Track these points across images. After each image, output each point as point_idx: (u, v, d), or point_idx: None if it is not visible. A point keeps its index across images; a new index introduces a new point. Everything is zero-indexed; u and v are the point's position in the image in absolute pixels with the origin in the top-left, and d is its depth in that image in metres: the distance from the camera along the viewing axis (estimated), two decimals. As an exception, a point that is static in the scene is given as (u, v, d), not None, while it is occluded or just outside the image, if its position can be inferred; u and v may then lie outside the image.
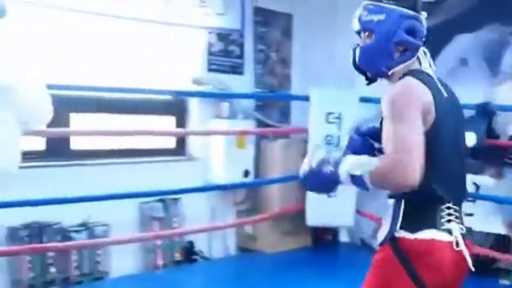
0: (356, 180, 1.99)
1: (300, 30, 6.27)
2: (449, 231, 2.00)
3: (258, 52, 5.97)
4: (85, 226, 4.64)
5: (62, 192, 4.21)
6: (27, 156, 4.48)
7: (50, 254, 4.45)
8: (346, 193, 5.48)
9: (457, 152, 2.09)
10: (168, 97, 5.34)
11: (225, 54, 5.65)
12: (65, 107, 4.66)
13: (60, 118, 4.60)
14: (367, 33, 2.13)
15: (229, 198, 5.66)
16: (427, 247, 1.97)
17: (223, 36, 5.60)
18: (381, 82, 5.51)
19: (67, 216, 4.50)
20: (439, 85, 2.07)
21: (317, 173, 2.08)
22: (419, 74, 2.06)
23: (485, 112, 4.71)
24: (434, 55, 5.79)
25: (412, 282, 1.97)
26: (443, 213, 2.01)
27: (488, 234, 5.05)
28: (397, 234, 2.01)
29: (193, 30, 5.38)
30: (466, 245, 2.03)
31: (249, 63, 5.88)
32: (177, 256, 5.25)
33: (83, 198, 4.32)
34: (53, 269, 4.47)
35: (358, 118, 5.45)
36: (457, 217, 2.04)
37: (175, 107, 5.45)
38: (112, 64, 4.94)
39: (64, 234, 4.54)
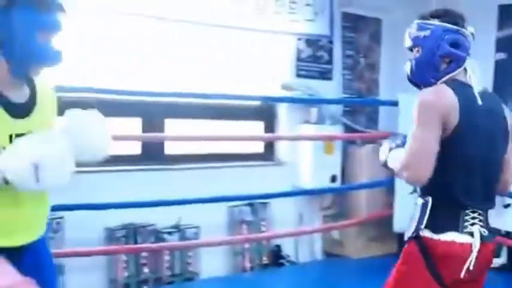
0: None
1: (389, 35, 6.20)
2: (472, 234, 2.16)
3: (346, 57, 5.95)
4: (177, 228, 4.78)
5: (156, 195, 4.37)
6: (125, 160, 4.70)
7: (144, 254, 4.62)
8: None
9: (487, 160, 2.22)
10: (257, 103, 5.42)
11: (313, 60, 5.67)
12: (160, 113, 4.84)
13: (155, 124, 4.80)
14: (416, 49, 2.32)
15: (316, 203, 5.68)
16: (447, 248, 2.15)
17: (312, 42, 5.62)
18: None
19: (160, 218, 4.66)
20: (476, 93, 2.21)
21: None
22: (452, 82, 2.22)
23: None
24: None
25: (432, 276, 2.17)
26: (467, 217, 2.17)
27: None
28: (421, 233, 2.19)
29: (283, 36, 5.43)
30: (487, 246, 2.19)
31: (337, 68, 5.87)
32: (265, 259, 5.32)
33: (176, 201, 4.46)
34: (146, 269, 4.63)
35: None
36: (481, 220, 2.19)
37: (264, 112, 5.53)
38: (204, 71, 5.07)
39: (157, 235, 4.70)
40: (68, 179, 1.90)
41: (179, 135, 4.89)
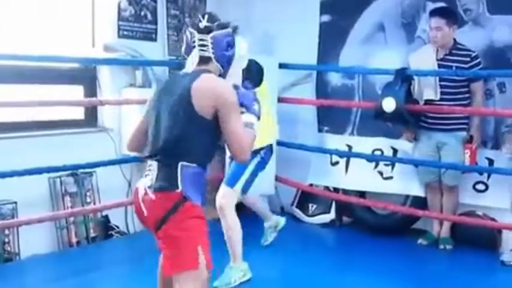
0: None
1: (214, -6, 6.08)
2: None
3: (171, 17, 5.72)
4: (-10, 205, 4.33)
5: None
6: None
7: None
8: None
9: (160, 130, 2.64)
10: (75, 65, 5.05)
11: (136, 20, 5.38)
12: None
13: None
14: None
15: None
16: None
17: (134, 0, 5.32)
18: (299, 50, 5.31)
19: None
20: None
21: None
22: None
23: (403, 77, 4.70)
24: (353, 20, 5.70)
25: None
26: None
27: (407, 196, 5.13)
28: None
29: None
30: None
31: (162, 29, 5.63)
32: (92, 232, 5.02)
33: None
34: (-46, 253, 4.15)
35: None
36: (150, 170, 2.63)
37: (84, 75, 5.14)
38: (14, 30, 4.59)
39: (-34, 214, 4.22)
40: None
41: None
